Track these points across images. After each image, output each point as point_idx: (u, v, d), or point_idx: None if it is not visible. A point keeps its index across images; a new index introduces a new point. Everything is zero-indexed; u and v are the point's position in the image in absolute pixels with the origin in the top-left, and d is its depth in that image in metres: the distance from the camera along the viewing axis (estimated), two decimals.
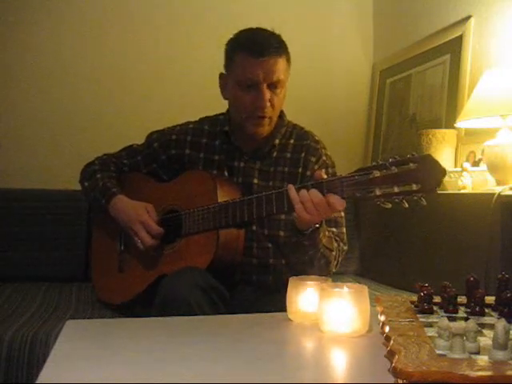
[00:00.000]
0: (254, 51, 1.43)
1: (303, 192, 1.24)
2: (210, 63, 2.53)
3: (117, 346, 0.89)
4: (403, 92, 2.58)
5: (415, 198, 1.07)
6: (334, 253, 1.43)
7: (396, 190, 1.09)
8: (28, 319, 1.54)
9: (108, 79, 2.55)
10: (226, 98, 1.57)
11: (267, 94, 1.44)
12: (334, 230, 1.48)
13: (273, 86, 1.46)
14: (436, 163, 1.06)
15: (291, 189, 1.26)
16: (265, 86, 1.44)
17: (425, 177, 1.06)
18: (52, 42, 2.50)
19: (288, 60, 1.49)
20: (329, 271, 1.43)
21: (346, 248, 1.50)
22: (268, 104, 1.45)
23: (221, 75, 1.56)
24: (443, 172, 1.05)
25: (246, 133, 1.52)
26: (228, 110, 1.61)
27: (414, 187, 1.06)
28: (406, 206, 1.09)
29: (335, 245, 1.44)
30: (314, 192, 1.22)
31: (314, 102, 2.72)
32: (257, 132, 1.50)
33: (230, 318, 1.14)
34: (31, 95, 2.47)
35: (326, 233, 1.39)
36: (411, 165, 1.07)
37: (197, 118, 1.68)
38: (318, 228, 1.32)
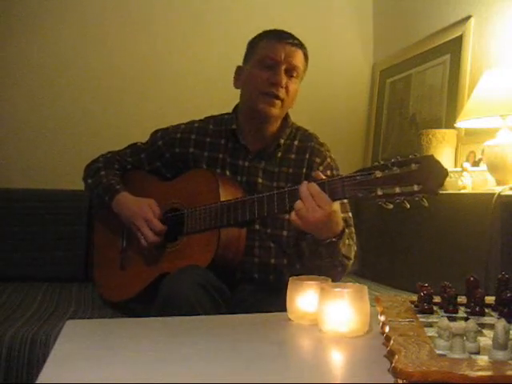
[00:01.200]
0: (277, 37, 1.52)
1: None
2: (209, 63, 2.56)
3: (117, 346, 0.89)
4: (403, 92, 2.59)
5: (417, 198, 1.07)
6: (351, 261, 1.43)
7: (398, 190, 1.09)
8: (28, 319, 1.54)
9: (108, 79, 2.55)
10: (237, 87, 1.59)
11: (284, 76, 1.48)
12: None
13: (290, 72, 1.50)
14: (438, 164, 1.05)
15: (303, 184, 1.25)
16: (283, 68, 1.48)
17: (426, 178, 1.05)
18: (52, 42, 2.50)
19: (306, 57, 1.55)
20: (341, 276, 1.44)
21: (355, 248, 1.50)
22: (283, 84, 1.48)
23: (238, 67, 1.60)
24: (445, 173, 1.05)
25: (257, 113, 1.51)
26: (234, 109, 1.62)
27: (416, 188, 1.06)
28: (408, 206, 1.09)
29: (353, 253, 1.44)
30: (314, 186, 1.23)
31: (314, 102, 2.72)
32: (268, 112, 1.50)
33: (230, 318, 1.14)
34: (31, 95, 2.47)
35: (346, 241, 1.39)
36: (413, 165, 1.07)
37: (198, 118, 1.68)
38: (335, 241, 1.31)
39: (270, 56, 1.49)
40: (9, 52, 2.45)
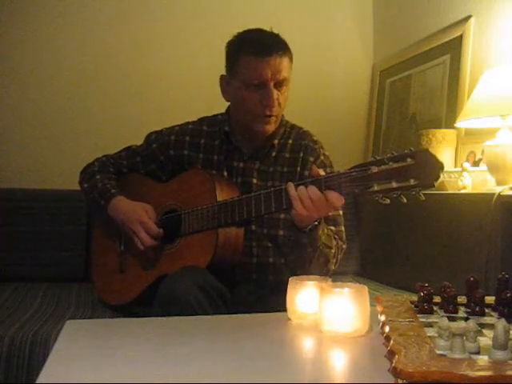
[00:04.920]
0: (260, 51, 1.43)
1: (302, 189, 1.24)
2: (208, 64, 2.54)
3: (117, 346, 0.89)
4: (403, 92, 2.58)
5: (413, 193, 1.07)
6: (333, 250, 1.43)
7: (394, 185, 1.09)
8: (28, 319, 1.54)
9: (108, 80, 2.55)
10: (227, 100, 1.57)
11: (275, 93, 1.45)
12: (332, 228, 1.48)
13: (278, 84, 1.46)
14: (433, 158, 1.05)
15: (290, 186, 1.26)
16: (272, 84, 1.44)
17: (422, 172, 1.06)
18: (52, 42, 2.50)
19: (291, 59, 1.50)
20: (328, 269, 1.43)
21: (344, 246, 1.50)
22: (276, 103, 1.46)
23: (222, 77, 1.56)
24: (441, 166, 1.05)
25: (253, 131, 1.51)
26: (227, 111, 1.62)
27: (412, 182, 1.06)
28: (405, 201, 1.09)
29: (334, 242, 1.44)
30: (313, 189, 1.22)
31: (314, 102, 2.72)
32: (264, 130, 1.50)
33: (229, 318, 1.14)
34: (31, 95, 2.47)
35: (325, 230, 1.39)
36: (409, 160, 1.07)
37: (195, 119, 1.68)
38: (316, 226, 1.32)
39: (256, 77, 1.43)
40: (9, 53, 2.45)
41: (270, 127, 1.50)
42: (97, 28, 2.55)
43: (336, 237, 1.47)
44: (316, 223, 1.32)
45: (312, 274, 1.13)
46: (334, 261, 1.46)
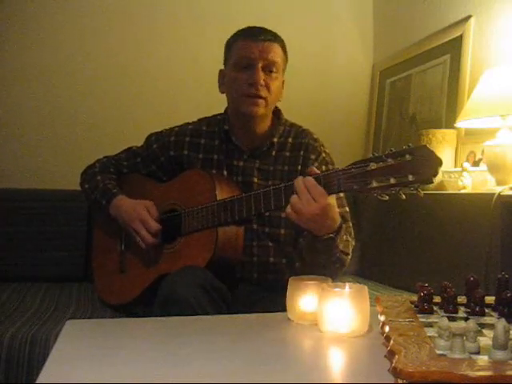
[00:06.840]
0: (250, 35, 1.50)
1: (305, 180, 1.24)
2: (208, 65, 2.54)
3: (117, 346, 0.89)
4: (403, 92, 2.58)
5: (412, 189, 1.07)
6: (349, 256, 1.43)
7: (393, 181, 1.09)
8: (28, 319, 1.54)
9: (109, 81, 2.55)
10: (222, 92, 1.59)
11: (261, 74, 1.47)
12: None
13: (268, 68, 1.49)
14: (432, 154, 1.06)
15: (298, 178, 1.25)
16: (260, 66, 1.47)
17: (421, 167, 1.06)
18: (53, 42, 2.50)
19: (283, 48, 1.53)
20: (341, 272, 1.44)
21: (354, 243, 1.50)
22: (262, 83, 1.47)
23: (220, 71, 1.59)
24: (439, 162, 1.05)
25: (242, 116, 1.52)
26: (226, 110, 1.62)
27: (411, 178, 1.07)
28: (403, 197, 1.10)
29: (350, 248, 1.43)
30: (309, 179, 1.23)
31: (314, 103, 2.72)
32: (252, 112, 1.49)
33: (230, 318, 1.14)
34: (32, 95, 2.47)
35: (344, 237, 1.39)
36: (407, 156, 1.08)
37: (195, 119, 1.68)
38: (333, 237, 1.31)
39: (244, 56, 1.48)
40: (9, 53, 2.45)
41: (258, 110, 1.49)
42: (97, 28, 2.55)
43: (346, 233, 1.47)
44: (331, 235, 1.30)
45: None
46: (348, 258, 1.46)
